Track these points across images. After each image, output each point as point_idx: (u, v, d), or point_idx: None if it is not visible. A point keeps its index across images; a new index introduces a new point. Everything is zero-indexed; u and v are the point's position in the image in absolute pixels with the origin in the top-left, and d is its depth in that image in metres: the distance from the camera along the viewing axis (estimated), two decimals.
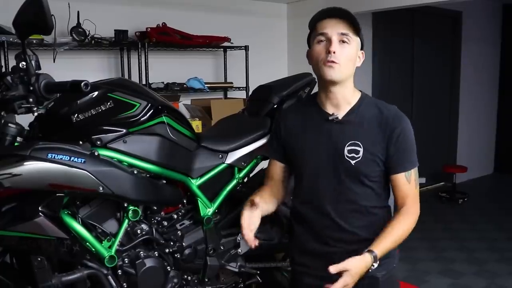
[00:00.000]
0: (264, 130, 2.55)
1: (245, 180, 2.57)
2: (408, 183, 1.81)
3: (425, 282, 3.77)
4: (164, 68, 4.38)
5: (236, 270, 2.49)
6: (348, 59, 1.76)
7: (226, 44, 4.60)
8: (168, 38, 4.19)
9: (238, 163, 2.46)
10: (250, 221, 1.76)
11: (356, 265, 1.63)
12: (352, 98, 1.85)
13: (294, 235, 2.02)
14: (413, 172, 1.82)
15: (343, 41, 1.75)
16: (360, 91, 1.90)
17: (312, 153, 1.86)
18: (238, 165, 2.47)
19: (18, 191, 1.78)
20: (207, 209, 2.35)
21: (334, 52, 1.73)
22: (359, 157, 1.78)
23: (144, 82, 3.99)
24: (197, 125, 4.09)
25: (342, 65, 1.75)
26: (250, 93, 4.17)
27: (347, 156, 1.79)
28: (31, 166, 1.73)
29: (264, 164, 2.64)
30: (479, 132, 7.14)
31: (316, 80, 2.82)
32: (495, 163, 7.53)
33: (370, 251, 1.67)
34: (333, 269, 1.60)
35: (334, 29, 1.75)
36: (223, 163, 2.42)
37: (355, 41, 1.78)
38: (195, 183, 2.32)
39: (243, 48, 4.67)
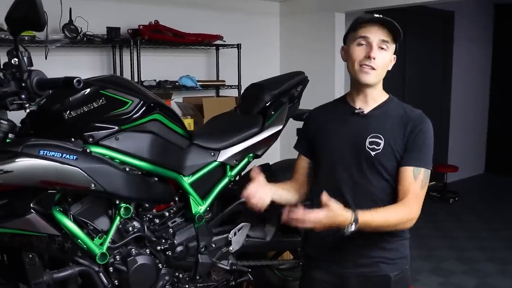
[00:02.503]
0: (256, 128, 2.56)
1: (237, 178, 2.58)
2: (414, 180, 1.79)
3: (416, 281, 3.79)
4: (156, 66, 4.37)
5: (228, 268, 2.50)
6: (384, 65, 1.83)
7: (218, 42, 4.60)
8: (161, 36, 4.18)
9: (230, 161, 2.47)
10: (257, 190, 1.79)
11: (337, 213, 1.62)
12: (379, 97, 1.91)
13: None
14: (423, 172, 1.81)
15: (382, 48, 1.81)
16: (389, 94, 1.95)
17: (335, 143, 1.89)
18: (230, 163, 2.47)
19: (10, 188, 1.77)
20: (199, 207, 2.35)
21: (374, 58, 1.79)
22: (379, 149, 1.81)
23: (136, 80, 3.98)
24: (189, 123, 4.08)
25: (378, 70, 1.82)
26: (242, 91, 4.17)
27: (368, 147, 1.82)
28: (22, 162, 1.73)
29: (255, 162, 2.65)
30: (470, 132, 7.16)
31: (308, 78, 2.85)
32: (486, 163, 7.56)
33: (354, 212, 1.66)
34: (324, 197, 1.61)
35: (376, 35, 1.80)
36: (215, 161, 2.42)
37: (391, 47, 1.84)
38: (187, 180, 2.32)
39: (235, 46, 4.66)
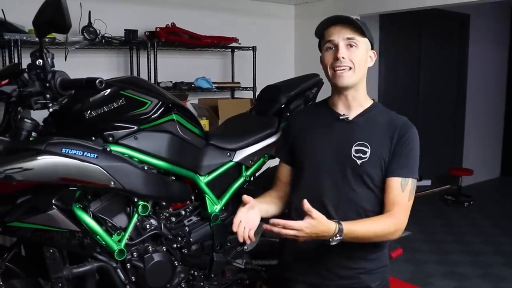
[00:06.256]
0: (272, 129, 2.59)
1: (252, 178, 2.61)
2: (401, 191, 1.75)
3: (429, 284, 3.79)
4: (172, 68, 4.42)
5: (242, 266, 2.53)
6: (358, 62, 1.80)
7: (234, 44, 4.64)
8: (177, 38, 4.23)
9: (245, 161, 2.50)
10: (247, 218, 1.77)
11: (321, 221, 1.57)
12: (364, 102, 1.88)
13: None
14: (411, 182, 1.77)
15: (350, 45, 1.79)
16: (373, 99, 1.93)
17: (319, 150, 1.87)
18: (245, 163, 2.50)
19: (33, 184, 1.82)
20: (215, 206, 2.39)
21: (343, 58, 1.77)
22: (366, 157, 1.78)
23: (152, 81, 4.03)
24: (204, 124, 4.10)
25: (354, 68, 1.79)
26: (257, 93, 4.20)
27: (354, 155, 1.79)
28: (44, 160, 1.78)
29: (271, 162, 2.68)
30: (485, 135, 7.12)
31: (323, 81, 2.87)
32: (502, 167, 7.50)
33: (339, 223, 1.62)
34: (306, 205, 1.57)
35: (339, 35, 1.79)
36: (231, 161, 2.46)
37: (362, 42, 1.82)
38: (203, 180, 2.35)
39: (250, 48, 4.70)
